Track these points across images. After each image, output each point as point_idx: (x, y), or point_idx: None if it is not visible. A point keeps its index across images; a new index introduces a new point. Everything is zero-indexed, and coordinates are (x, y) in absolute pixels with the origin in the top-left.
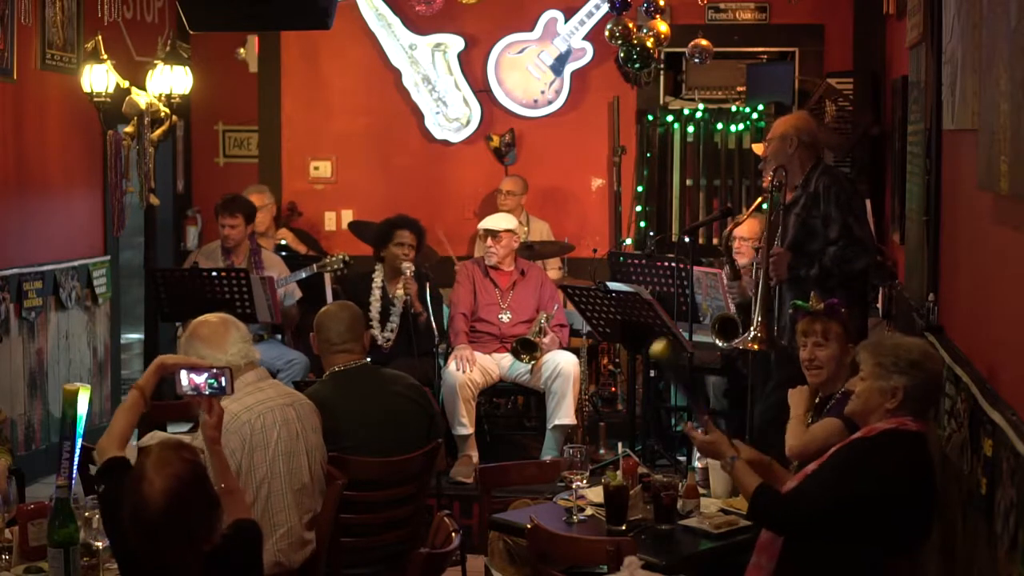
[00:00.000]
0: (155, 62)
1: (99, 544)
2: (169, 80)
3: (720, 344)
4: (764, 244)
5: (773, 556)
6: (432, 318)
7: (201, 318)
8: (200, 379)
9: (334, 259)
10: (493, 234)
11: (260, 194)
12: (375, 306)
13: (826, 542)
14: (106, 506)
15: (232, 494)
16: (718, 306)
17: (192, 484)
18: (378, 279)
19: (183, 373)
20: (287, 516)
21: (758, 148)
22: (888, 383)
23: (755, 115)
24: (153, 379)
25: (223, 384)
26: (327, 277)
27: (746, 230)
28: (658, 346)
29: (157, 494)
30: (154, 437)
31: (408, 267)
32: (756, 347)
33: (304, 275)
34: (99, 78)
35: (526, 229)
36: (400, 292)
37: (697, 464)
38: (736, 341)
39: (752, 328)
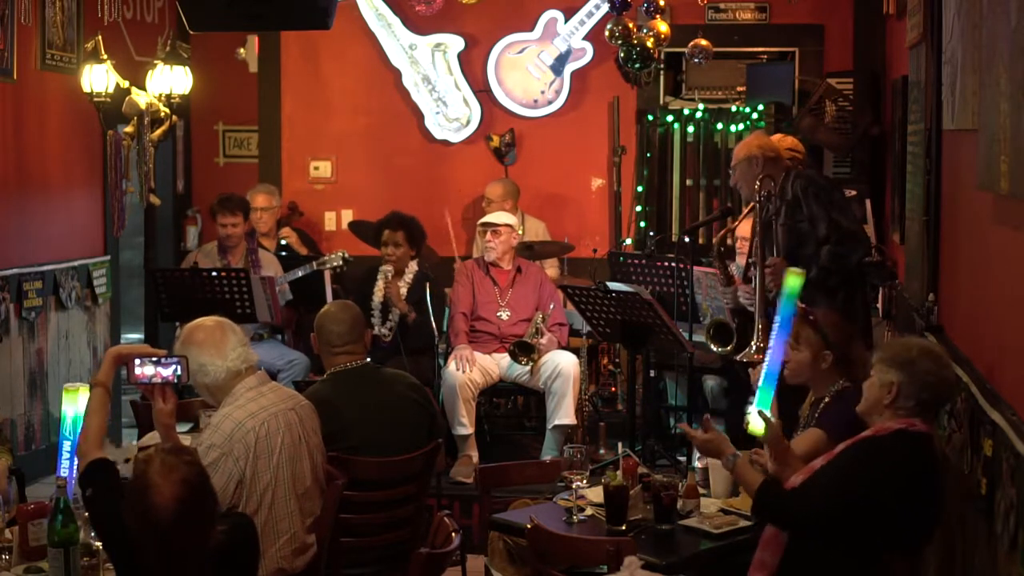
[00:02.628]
0: (155, 62)
1: (99, 544)
2: (169, 80)
3: (715, 350)
4: (757, 257)
5: (777, 552)
6: (432, 316)
7: (195, 323)
8: (159, 369)
9: (333, 256)
10: (492, 228)
11: (269, 195)
12: (377, 296)
13: (830, 539)
14: (95, 508)
15: None
16: (718, 306)
17: (199, 486)
18: (383, 274)
19: (136, 362)
20: (290, 523)
21: None
22: (886, 377)
23: (755, 115)
24: (111, 372)
25: (180, 372)
26: (327, 276)
27: (746, 229)
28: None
29: (169, 501)
30: (154, 437)
31: (387, 270)
32: (760, 358)
33: (303, 272)
34: (99, 78)
35: (521, 229)
36: (379, 296)
37: (697, 464)
38: (740, 355)
39: (754, 342)
